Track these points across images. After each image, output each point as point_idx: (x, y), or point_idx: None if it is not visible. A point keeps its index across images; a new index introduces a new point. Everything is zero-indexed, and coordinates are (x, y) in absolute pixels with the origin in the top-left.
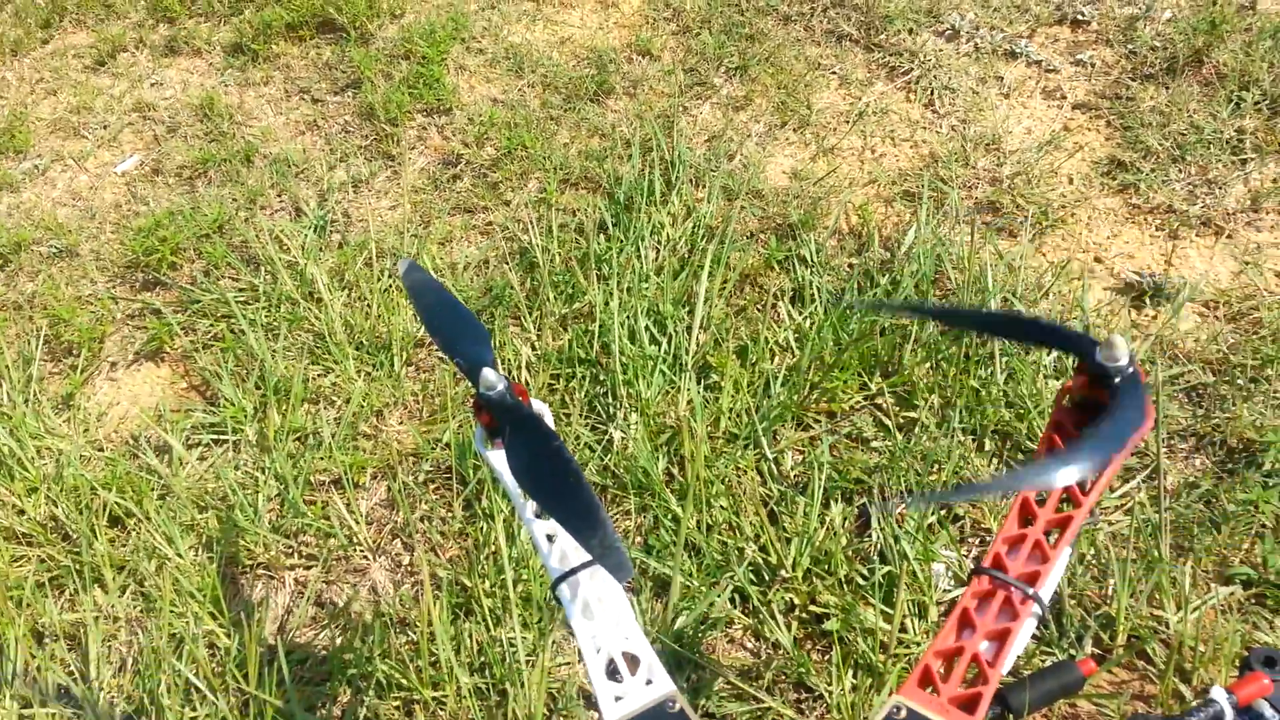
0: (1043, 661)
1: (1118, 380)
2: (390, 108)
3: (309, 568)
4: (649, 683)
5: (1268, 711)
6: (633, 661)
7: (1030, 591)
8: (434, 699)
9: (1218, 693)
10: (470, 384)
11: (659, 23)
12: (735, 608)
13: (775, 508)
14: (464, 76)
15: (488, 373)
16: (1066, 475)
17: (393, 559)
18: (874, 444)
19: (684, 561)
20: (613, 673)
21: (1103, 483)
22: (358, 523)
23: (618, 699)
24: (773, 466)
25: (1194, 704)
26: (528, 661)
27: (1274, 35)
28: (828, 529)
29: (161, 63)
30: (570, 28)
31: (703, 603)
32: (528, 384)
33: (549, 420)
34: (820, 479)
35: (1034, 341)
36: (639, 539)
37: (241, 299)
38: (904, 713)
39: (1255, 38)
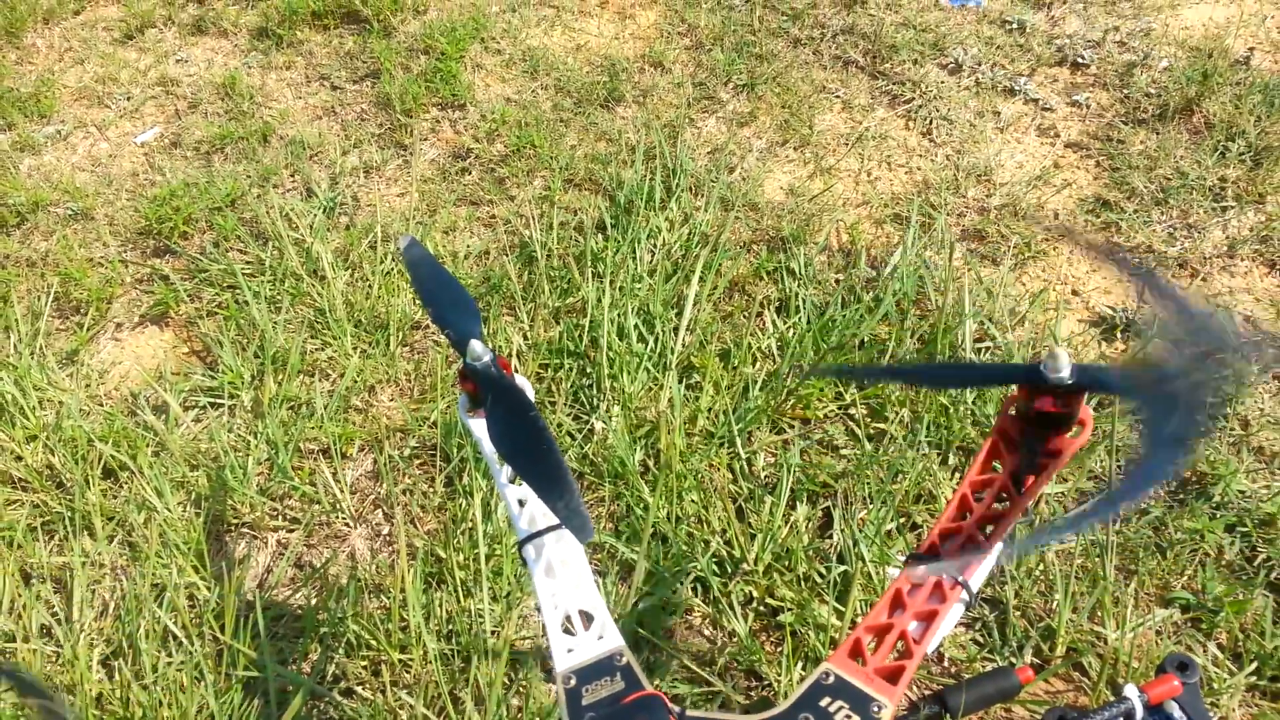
0: (983, 667)
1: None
2: (406, 99)
3: (291, 530)
4: (600, 638)
5: (1176, 713)
6: (587, 619)
7: (960, 579)
8: (400, 661)
9: (1130, 691)
10: (458, 354)
11: (673, 37)
12: (696, 596)
13: (744, 505)
14: (480, 74)
15: (475, 344)
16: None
17: (373, 528)
18: (843, 451)
19: (651, 548)
20: (568, 629)
21: (1039, 485)
22: (342, 491)
23: (569, 650)
24: (745, 465)
25: (1109, 701)
26: (493, 632)
27: (1264, 90)
28: (791, 528)
29: (188, 40)
30: (587, 35)
31: (666, 588)
32: (517, 370)
33: (530, 393)
34: (788, 480)
35: (983, 383)
36: (610, 524)
37: (248, 271)
38: (831, 679)
39: (1245, 91)
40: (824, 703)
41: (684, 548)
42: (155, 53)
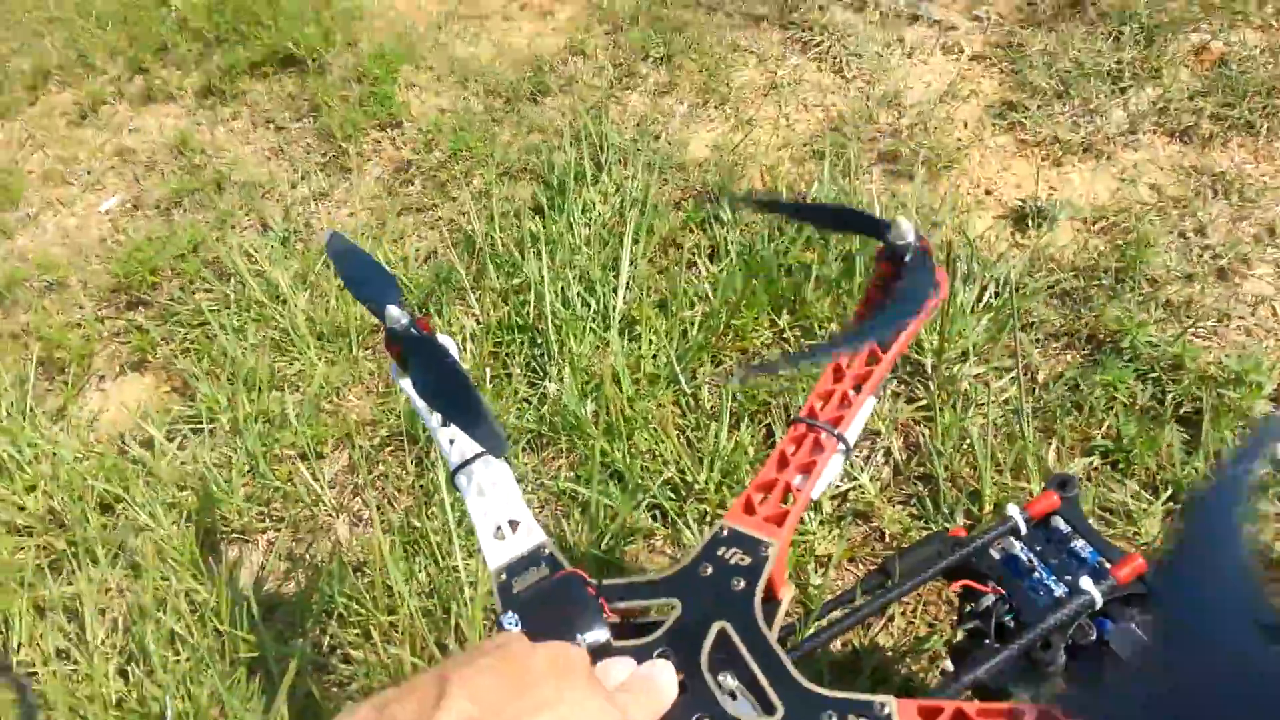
0: (919, 534)
1: (907, 258)
2: (346, 127)
3: (279, 529)
4: (526, 537)
5: (1061, 525)
6: (514, 525)
7: (836, 432)
8: (389, 622)
9: (1012, 509)
10: (379, 322)
11: (591, 25)
12: (656, 522)
13: (691, 435)
14: (414, 92)
15: (391, 308)
16: (866, 340)
17: (354, 515)
18: (781, 373)
19: (608, 487)
20: (499, 536)
21: (904, 340)
22: (321, 487)
23: (498, 553)
24: (691, 400)
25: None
26: (469, 583)
27: None
28: (736, 446)
29: (139, 111)
30: (511, 38)
31: (622, 516)
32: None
33: (452, 348)
34: (728, 404)
35: (839, 227)
36: (570, 473)
37: (214, 307)
38: (726, 532)
39: None
40: (720, 552)
41: (640, 481)
42: (110, 127)
